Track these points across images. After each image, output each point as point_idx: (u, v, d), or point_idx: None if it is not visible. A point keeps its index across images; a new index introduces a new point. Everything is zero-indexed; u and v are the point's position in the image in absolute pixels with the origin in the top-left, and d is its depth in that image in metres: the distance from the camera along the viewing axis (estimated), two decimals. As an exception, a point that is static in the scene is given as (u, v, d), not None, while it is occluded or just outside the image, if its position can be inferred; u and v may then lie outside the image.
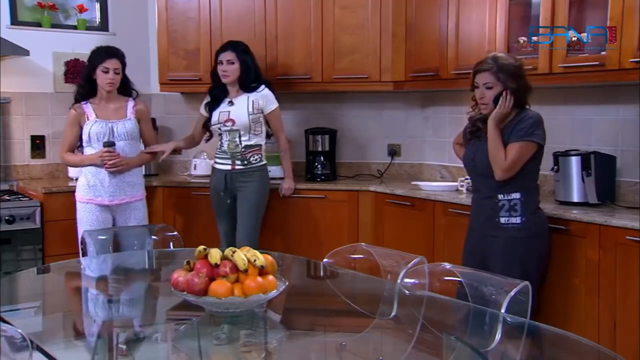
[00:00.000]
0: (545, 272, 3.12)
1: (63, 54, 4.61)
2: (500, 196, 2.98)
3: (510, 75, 2.93)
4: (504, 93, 2.93)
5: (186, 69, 4.54)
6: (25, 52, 4.20)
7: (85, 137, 3.70)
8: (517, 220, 2.96)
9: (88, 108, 3.70)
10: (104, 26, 4.80)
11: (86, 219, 3.70)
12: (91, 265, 3.13)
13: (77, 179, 4.04)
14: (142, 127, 3.83)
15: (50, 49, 4.57)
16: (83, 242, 3.20)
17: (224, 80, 3.94)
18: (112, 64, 3.65)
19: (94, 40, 4.69)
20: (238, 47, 3.95)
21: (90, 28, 4.74)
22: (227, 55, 3.91)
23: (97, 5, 4.80)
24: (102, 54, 3.68)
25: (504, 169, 2.93)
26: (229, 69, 3.91)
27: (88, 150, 3.72)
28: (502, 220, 2.97)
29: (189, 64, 4.53)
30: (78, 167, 3.80)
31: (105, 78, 3.65)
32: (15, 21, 4.49)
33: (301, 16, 4.39)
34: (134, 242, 3.38)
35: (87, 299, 2.76)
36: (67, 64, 4.62)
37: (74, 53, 4.63)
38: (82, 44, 4.65)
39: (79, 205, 3.74)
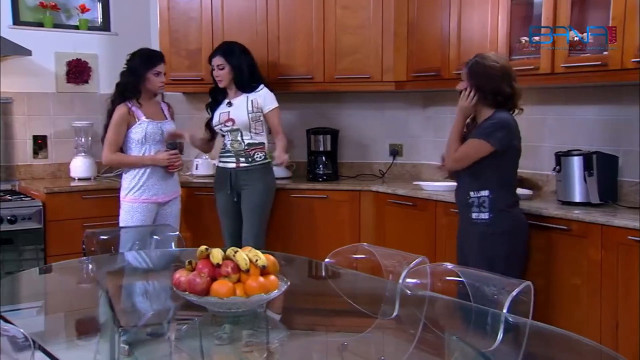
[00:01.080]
0: (521, 273, 3.08)
1: (65, 54, 4.62)
2: (471, 193, 3.06)
3: (478, 74, 3.03)
4: (467, 88, 3.07)
5: (188, 69, 4.54)
6: (27, 52, 4.21)
7: (138, 137, 3.73)
8: (486, 216, 3.03)
9: (135, 108, 3.75)
10: (105, 26, 4.81)
11: (136, 219, 3.74)
12: (95, 265, 3.13)
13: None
14: None
15: (52, 49, 4.57)
16: (86, 241, 3.20)
17: (219, 85, 3.98)
18: (162, 67, 3.83)
19: (96, 40, 4.72)
20: (228, 51, 3.94)
21: (92, 28, 4.75)
22: (217, 60, 3.94)
23: (99, 6, 4.80)
24: (157, 57, 3.81)
25: (452, 159, 3.11)
26: (220, 74, 3.94)
27: (137, 151, 3.76)
28: (474, 215, 3.06)
29: (191, 64, 4.53)
30: (133, 167, 3.77)
31: (158, 81, 3.80)
32: (17, 21, 4.50)
33: (303, 16, 4.39)
34: (136, 242, 3.39)
35: (90, 298, 2.76)
36: (69, 64, 4.63)
37: (76, 53, 4.64)
38: (84, 44, 4.67)
39: (129, 207, 3.76)
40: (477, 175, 3.05)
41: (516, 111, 3.09)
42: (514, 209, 3.08)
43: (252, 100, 3.94)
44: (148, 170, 3.76)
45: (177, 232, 3.38)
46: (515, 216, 3.08)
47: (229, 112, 3.94)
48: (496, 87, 3.00)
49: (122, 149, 3.79)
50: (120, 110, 3.73)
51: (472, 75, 3.05)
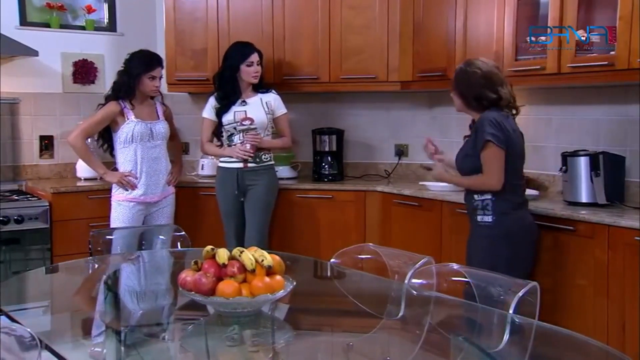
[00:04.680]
0: (526, 275, 2.96)
1: (71, 54, 4.63)
2: (475, 196, 3.05)
3: (460, 80, 3.05)
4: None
5: (193, 69, 4.55)
6: (34, 53, 4.22)
7: (124, 136, 3.78)
8: (489, 219, 3.00)
9: (126, 108, 3.79)
10: (111, 27, 4.82)
11: (123, 218, 3.81)
12: (99, 265, 3.14)
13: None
14: (170, 127, 3.99)
15: (58, 49, 4.59)
16: (92, 241, 3.21)
17: (254, 81, 3.98)
18: (159, 72, 3.85)
19: (102, 40, 4.73)
20: (259, 50, 4.02)
21: (98, 28, 4.76)
22: (257, 57, 3.98)
23: (105, 6, 4.82)
24: (154, 61, 3.83)
25: (492, 183, 2.97)
26: (259, 70, 3.98)
27: (122, 151, 3.80)
28: (478, 218, 3.05)
29: (197, 64, 4.53)
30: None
31: (152, 85, 3.82)
32: (24, 22, 4.51)
33: (308, 16, 4.39)
34: (142, 242, 3.40)
35: (95, 298, 2.77)
36: (76, 64, 4.64)
37: (82, 53, 4.65)
38: (90, 45, 4.68)
39: (115, 205, 3.84)
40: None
41: (511, 112, 3.03)
42: (518, 211, 3.03)
43: (266, 102, 3.99)
44: (138, 168, 3.81)
45: (183, 232, 3.37)
46: (520, 218, 3.03)
47: (245, 110, 3.95)
48: (478, 93, 2.98)
49: (111, 147, 3.87)
50: (112, 106, 3.79)
51: (455, 81, 3.08)
